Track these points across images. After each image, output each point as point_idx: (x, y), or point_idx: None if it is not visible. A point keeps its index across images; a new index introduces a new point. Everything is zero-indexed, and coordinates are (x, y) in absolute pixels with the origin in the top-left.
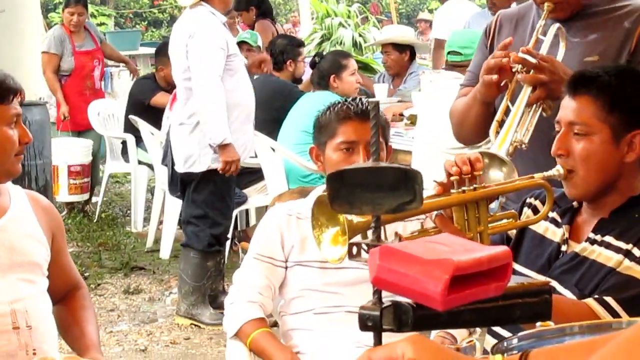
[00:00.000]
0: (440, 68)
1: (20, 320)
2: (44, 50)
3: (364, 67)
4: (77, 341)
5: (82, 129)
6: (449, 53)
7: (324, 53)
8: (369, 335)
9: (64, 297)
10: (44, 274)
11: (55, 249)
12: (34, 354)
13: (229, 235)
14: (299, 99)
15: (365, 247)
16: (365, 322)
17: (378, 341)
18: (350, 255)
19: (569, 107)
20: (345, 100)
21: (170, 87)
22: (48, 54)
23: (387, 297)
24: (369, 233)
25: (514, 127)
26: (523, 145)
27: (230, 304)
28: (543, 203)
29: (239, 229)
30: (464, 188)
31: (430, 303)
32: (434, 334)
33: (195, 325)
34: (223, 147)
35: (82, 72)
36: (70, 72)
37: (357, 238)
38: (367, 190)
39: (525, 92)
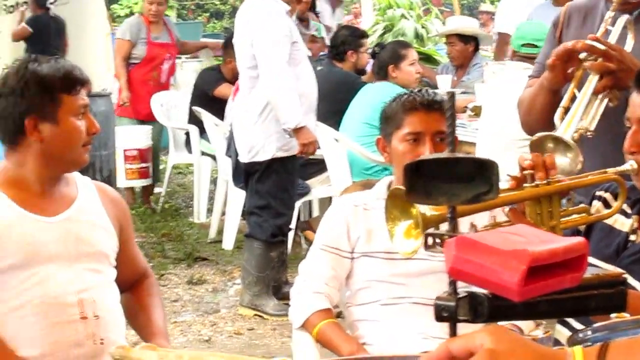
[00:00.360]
0: (503, 59)
1: (88, 310)
2: (118, 37)
3: (426, 59)
4: (143, 328)
5: (141, 117)
6: (522, 45)
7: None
8: (435, 327)
9: (131, 285)
10: (111, 264)
11: (122, 239)
12: (102, 343)
13: (292, 226)
14: (360, 90)
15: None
16: (441, 313)
17: (453, 332)
18: (427, 245)
19: (638, 104)
20: (412, 91)
21: (235, 79)
22: (121, 41)
23: (462, 288)
24: (444, 225)
25: (580, 114)
26: (588, 133)
27: (297, 295)
28: (613, 196)
29: (301, 220)
30: (537, 182)
31: (506, 294)
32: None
33: (259, 315)
34: (298, 131)
35: (152, 63)
36: (141, 60)
37: (433, 229)
38: (444, 180)
39: (592, 80)
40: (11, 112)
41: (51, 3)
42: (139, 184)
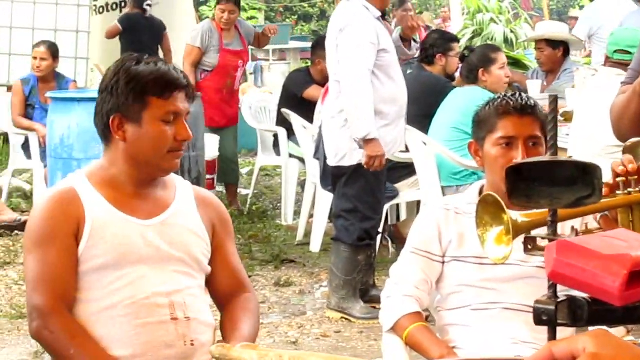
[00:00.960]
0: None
1: (179, 312)
2: (189, 42)
3: (515, 63)
4: (230, 340)
5: (214, 125)
6: (615, 51)
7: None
8: (525, 332)
9: (227, 299)
10: (202, 269)
11: (215, 243)
12: (192, 344)
13: (380, 230)
14: (448, 95)
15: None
16: (540, 316)
17: (552, 335)
18: (526, 249)
19: None
20: (505, 95)
21: (324, 81)
22: (191, 47)
23: (561, 292)
24: (536, 232)
25: None
26: None
27: (387, 298)
28: None
29: (389, 223)
30: (630, 190)
31: (607, 298)
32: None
33: (346, 319)
34: (367, 142)
35: (225, 70)
36: (213, 68)
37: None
38: (545, 184)
39: None
40: (102, 109)
41: (148, 4)
42: None
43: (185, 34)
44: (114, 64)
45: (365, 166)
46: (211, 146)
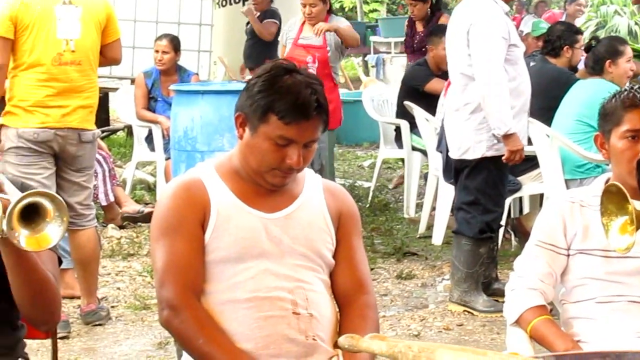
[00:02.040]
0: None
1: (301, 307)
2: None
3: (638, 56)
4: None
5: None
6: None
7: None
8: None
9: (346, 299)
10: (326, 263)
11: (340, 236)
12: (314, 339)
13: (502, 223)
14: (572, 87)
15: None
16: None
17: None
18: None
19: None
20: (632, 88)
21: (441, 72)
22: (280, 44)
23: None
24: None
25: None
26: None
27: (511, 291)
28: None
29: (512, 216)
30: None
31: None
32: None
33: (468, 312)
34: (507, 137)
35: None
36: None
37: None
38: None
39: None
40: (238, 101)
41: None
42: None
43: None
44: (270, 63)
45: (505, 161)
46: None
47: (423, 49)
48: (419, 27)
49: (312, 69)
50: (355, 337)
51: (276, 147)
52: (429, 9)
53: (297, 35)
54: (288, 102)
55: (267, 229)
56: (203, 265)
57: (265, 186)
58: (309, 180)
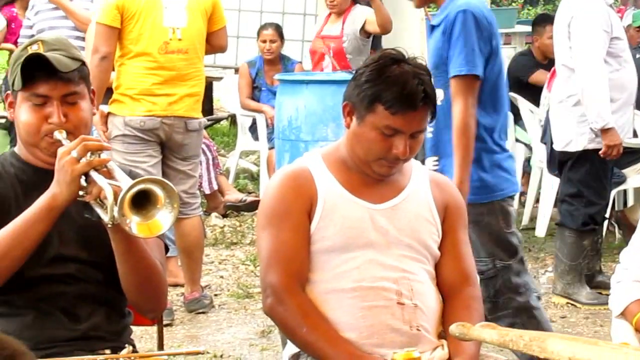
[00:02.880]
0: None
1: (406, 297)
2: None
3: None
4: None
5: None
6: None
7: None
8: None
9: (451, 290)
10: (431, 254)
11: (446, 228)
12: (417, 330)
13: (606, 215)
14: None
15: None
16: None
17: None
18: None
19: None
20: None
21: (547, 62)
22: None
23: None
24: None
25: None
26: None
27: (617, 283)
28: None
29: (616, 209)
30: None
31: None
32: None
33: (572, 304)
34: (605, 131)
35: (312, 58)
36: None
37: None
38: None
39: None
40: (346, 90)
41: None
42: None
43: (412, 17)
44: (378, 52)
45: (602, 155)
46: None
47: None
48: None
49: (329, 61)
50: (466, 326)
51: (383, 137)
52: None
53: (321, 27)
54: (395, 92)
55: (374, 220)
56: (308, 254)
57: (372, 176)
58: (416, 172)
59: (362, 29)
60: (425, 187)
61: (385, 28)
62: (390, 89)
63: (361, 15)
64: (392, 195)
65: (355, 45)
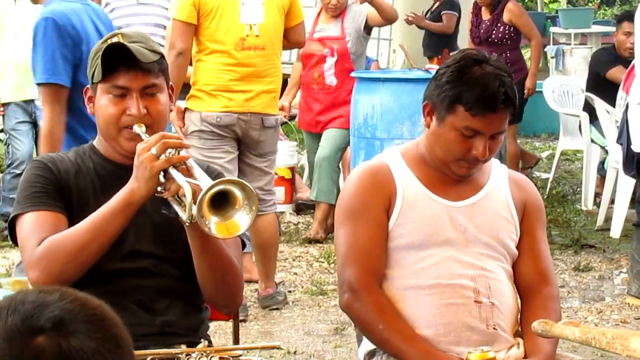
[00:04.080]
0: None
1: (483, 295)
2: None
3: None
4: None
5: (303, 128)
6: None
7: None
8: None
9: (529, 290)
10: (509, 253)
11: (524, 227)
12: (494, 329)
13: None
14: None
15: None
16: None
17: None
18: None
19: None
20: None
21: (630, 57)
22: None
23: None
24: None
25: None
26: None
27: None
28: None
29: None
30: None
31: None
32: None
33: None
34: None
35: (307, 62)
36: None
37: None
38: None
39: None
40: (425, 91)
41: None
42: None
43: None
44: (459, 53)
45: None
46: (285, 154)
47: (490, 40)
48: (485, 14)
49: (331, 64)
50: (549, 323)
51: (462, 137)
52: None
53: (312, 28)
54: (476, 94)
55: (452, 217)
56: (386, 250)
57: (451, 176)
58: (495, 170)
59: (366, 25)
60: (504, 185)
61: (392, 18)
62: (471, 90)
63: (359, 12)
64: (471, 193)
65: (358, 44)
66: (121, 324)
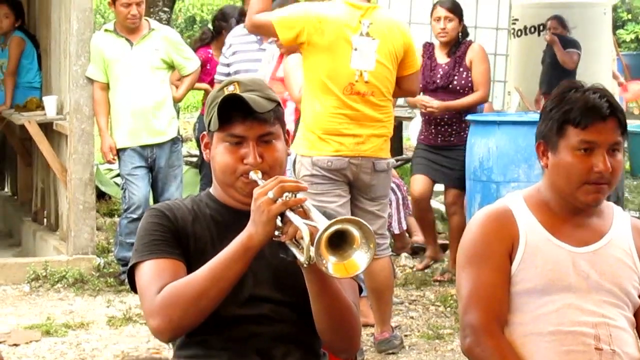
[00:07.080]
0: None
1: (604, 343)
2: None
3: None
4: None
5: None
6: None
7: None
8: None
9: None
10: (632, 301)
11: None
12: None
13: None
14: None
15: None
16: None
17: None
18: None
19: None
20: None
21: None
22: None
23: None
24: None
25: None
26: None
27: None
28: None
29: None
30: None
31: None
32: None
33: None
34: None
35: None
36: None
37: None
38: None
39: None
40: (536, 132)
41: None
42: None
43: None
44: (558, 86)
45: None
46: None
47: (450, 87)
48: (441, 57)
49: (291, 107)
50: None
51: (580, 157)
52: (460, 32)
53: (275, 67)
54: (580, 108)
55: (575, 263)
56: (508, 295)
57: (580, 207)
58: (617, 217)
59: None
60: (627, 233)
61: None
62: (574, 106)
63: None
64: (594, 240)
65: None
66: None
